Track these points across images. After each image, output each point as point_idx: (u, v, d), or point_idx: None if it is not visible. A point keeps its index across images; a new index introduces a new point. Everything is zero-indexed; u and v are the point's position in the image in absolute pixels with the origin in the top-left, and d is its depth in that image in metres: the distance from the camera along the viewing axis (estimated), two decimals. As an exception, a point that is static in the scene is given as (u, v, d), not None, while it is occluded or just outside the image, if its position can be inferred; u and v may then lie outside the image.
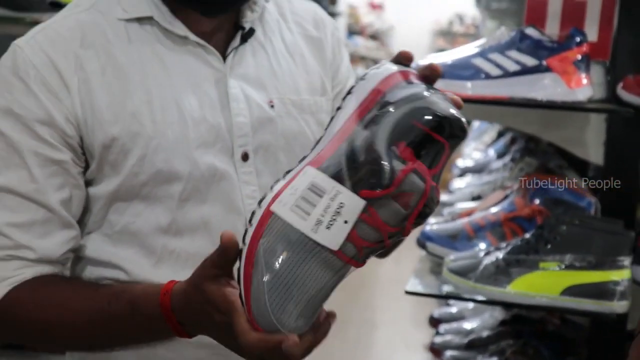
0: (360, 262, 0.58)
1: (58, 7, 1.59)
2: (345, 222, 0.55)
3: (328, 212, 0.55)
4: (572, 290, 1.13)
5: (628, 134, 1.19)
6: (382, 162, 0.55)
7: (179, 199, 0.80)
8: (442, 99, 0.58)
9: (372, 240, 0.56)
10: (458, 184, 1.93)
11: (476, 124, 2.55)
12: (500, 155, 1.81)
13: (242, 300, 0.57)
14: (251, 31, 0.83)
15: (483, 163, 1.95)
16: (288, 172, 0.60)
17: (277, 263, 0.55)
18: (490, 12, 2.17)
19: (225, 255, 0.63)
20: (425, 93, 0.58)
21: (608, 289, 1.10)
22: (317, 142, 0.62)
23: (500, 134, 1.96)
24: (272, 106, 0.85)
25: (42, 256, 0.76)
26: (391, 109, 0.57)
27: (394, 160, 0.54)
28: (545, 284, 1.14)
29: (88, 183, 0.81)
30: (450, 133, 0.57)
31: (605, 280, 1.11)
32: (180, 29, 0.80)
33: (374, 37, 6.40)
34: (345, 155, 0.56)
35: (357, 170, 0.56)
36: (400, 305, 3.16)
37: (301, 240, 0.56)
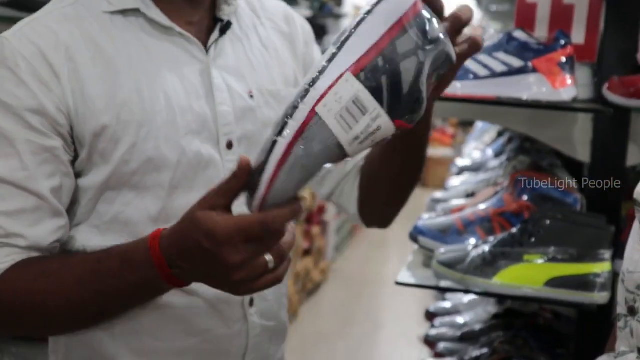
0: None
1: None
2: (375, 142, 0.62)
3: (366, 131, 0.60)
4: (555, 282, 1.19)
5: (614, 133, 1.24)
6: (424, 103, 0.62)
7: (169, 186, 0.81)
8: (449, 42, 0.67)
9: None
10: (454, 182, 1.99)
11: (479, 124, 2.60)
12: (497, 155, 1.87)
13: (258, 181, 0.62)
14: (229, 24, 0.86)
15: (481, 162, 2.01)
16: (323, 61, 0.63)
17: (310, 160, 0.61)
18: (491, 14, 2.22)
19: (235, 179, 0.64)
20: (442, 35, 0.65)
21: (589, 280, 1.16)
22: (347, 37, 0.64)
23: (500, 134, 2.02)
24: (251, 96, 0.88)
25: (33, 244, 0.77)
26: (428, 48, 0.63)
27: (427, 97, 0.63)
28: (529, 275, 1.20)
29: (77, 174, 0.82)
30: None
31: (586, 273, 1.17)
32: (165, 20, 0.82)
33: None
34: (386, 76, 0.61)
35: (399, 99, 0.61)
36: (403, 304, 3.24)
37: (335, 146, 0.61)
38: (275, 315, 0.93)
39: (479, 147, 2.28)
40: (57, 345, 0.86)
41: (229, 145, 0.86)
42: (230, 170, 0.68)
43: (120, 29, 0.82)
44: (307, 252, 3.51)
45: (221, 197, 0.65)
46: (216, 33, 0.84)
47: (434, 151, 6.37)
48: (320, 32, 3.75)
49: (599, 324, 1.17)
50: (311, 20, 3.68)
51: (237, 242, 0.65)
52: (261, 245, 0.66)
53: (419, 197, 1.74)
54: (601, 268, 1.17)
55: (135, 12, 0.81)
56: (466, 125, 5.78)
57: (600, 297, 1.15)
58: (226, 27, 0.86)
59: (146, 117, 0.80)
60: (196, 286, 0.76)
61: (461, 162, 2.23)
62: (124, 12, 0.82)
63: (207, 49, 0.86)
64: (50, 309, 0.77)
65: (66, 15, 0.81)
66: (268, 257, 0.67)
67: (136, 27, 0.83)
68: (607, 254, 1.14)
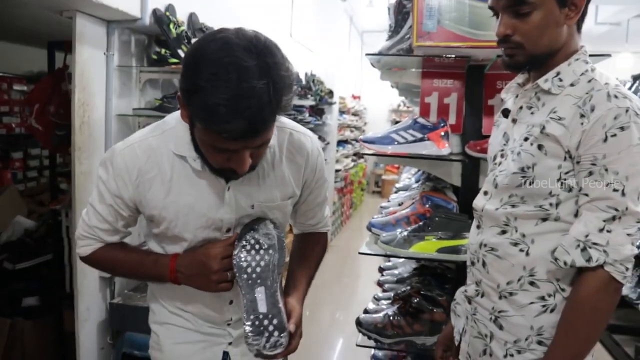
0: None
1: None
2: None
3: None
4: (442, 250, 1.85)
5: (472, 171, 1.98)
6: None
7: (187, 246, 1.23)
8: None
9: None
10: (393, 196, 2.64)
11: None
12: (417, 180, 2.57)
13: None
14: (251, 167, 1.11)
15: (408, 184, 2.72)
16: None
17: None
18: (413, 103, 3.08)
19: (226, 244, 1.13)
20: None
21: (459, 249, 1.83)
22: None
23: (419, 170, 2.82)
24: (252, 207, 1.21)
25: (109, 242, 1.27)
26: None
27: None
28: (428, 247, 1.85)
29: (147, 220, 1.26)
30: None
31: (457, 245, 1.83)
32: (199, 166, 1.14)
33: (355, 114, 9.12)
34: None
35: None
36: (368, 264, 4.51)
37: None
38: None
39: (409, 175, 2.97)
40: (149, 287, 1.41)
41: (228, 230, 1.22)
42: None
43: (178, 163, 1.16)
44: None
45: (218, 243, 1.14)
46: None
47: (388, 176, 10.20)
48: (320, 112, 5.57)
49: (463, 271, 1.47)
50: (314, 107, 5.13)
51: (218, 257, 1.12)
52: (228, 262, 1.11)
53: (378, 203, 2.69)
54: (464, 242, 1.80)
55: (184, 158, 1.16)
56: (404, 163, 7.37)
57: (458, 257, 1.82)
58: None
59: (176, 216, 1.18)
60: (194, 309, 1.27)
61: (398, 185, 2.90)
62: (180, 156, 1.16)
63: (227, 179, 1.17)
64: (116, 270, 1.39)
65: (150, 145, 1.16)
66: (229, 273, 1.13)
67: (185, 164, 1.16)
68: (467, 234, 1.63)
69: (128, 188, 1.16)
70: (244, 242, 1.16)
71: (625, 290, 3.85)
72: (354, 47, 9.88)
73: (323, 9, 6.53)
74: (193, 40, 2.65)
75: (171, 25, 2.49)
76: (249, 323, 1.12)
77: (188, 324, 1.31)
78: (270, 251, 1.17)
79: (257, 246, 1.15)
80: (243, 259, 1.14)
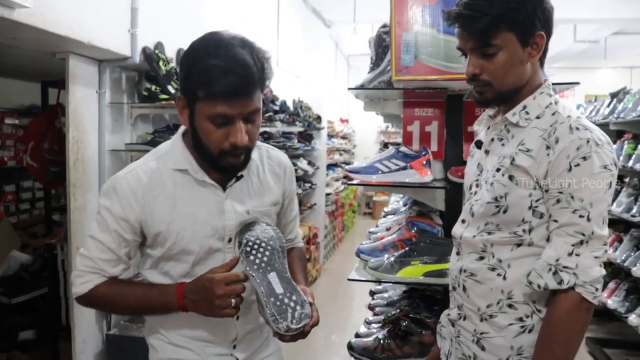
0: None
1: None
2: None
3: None
4: (428, 274, 1.88)
5: (455, 197, 2.02)
6: None
7: (192, 262, 1.28)
8: None
9: None
10: (381, 221, 2.69)
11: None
12: (404, 204, 2.63)
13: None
14: (241, 176, 1.30)
15: (396, 208, 2.78)
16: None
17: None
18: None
19: (230, 262, 1.19)
20: None
21: (445, 272, 1.82)
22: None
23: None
24: (247, 212, 1.32)
25: (110, 275, 1.27)
26: None
27: None
28: (414, 271, 1.89)
29: (148, 247, 1.30)
30: None
31: (442, 268, 1.86)
32: (200, 176, 1.26)
33: (344, 137, 9.35)
34: None
35: None
36: (360, 287, 4.78)
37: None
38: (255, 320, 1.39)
39: (397, 198, 3.04)
40: (147, 322, 1.41)
41: (229, 240, 1.31)
42: (227, 253, 1.28)
43: (179, 177, 1.27)
44: (308, 259, 5.24)
45: (221, 268, 1.18)
46: (232, 181, 1.30)
47: (379, 197, 10.24)
48: (309, 138, 5.63)
49: (447, 294, 1.53)
50: (302, 133, 5.21)
51: (222, 283, 1.15)
52: (231, 289, 1.15)
53: (369, 224, 2.74)
54: (448, 266, 1.61)
55: (186, 171, 1.27)
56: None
57: (446, 281, 1.98)
58: (238, 178, 1.31)
59: (182, 228, 1.25)
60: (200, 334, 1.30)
61: (386, 209, 2.95)
62: (180, 170, 1.27)
63: (225, 188, 1.29)
64: (117, 306, 1.34)
65: (150, 168, 1.27)
66: (233, 299, 1.16)
67: (187, 178, 1.27)
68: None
69: (134, 209, 1.24)
70: (244, 241, 1.26)
71: (613, 304, 3.92)
72: (341, 70, 10.08)
73: (308, 35, 6.68)
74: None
75: (160, 63, 2.58)
76: (270, 306, 1.19)
77: (194, 355, 1.33)
78: (271, 241, 1.28)
79: (257, 241, 1.26)
80: (251, 258, 1.24)
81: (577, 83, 1.90)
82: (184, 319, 1.29)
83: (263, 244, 1.27)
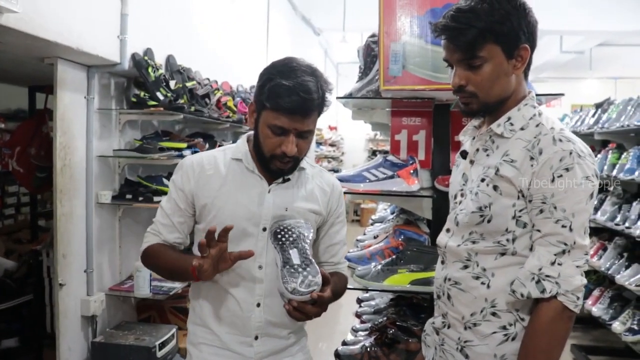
0: None
1: (162, 150, 2.42)
2: None
3: None
4: (414, 282, 1.91)
5: (442, 205, 1.98)
6: None
7: (230, 241, 1.35)
8: None
9: None
10: (369, 229, 2.75)
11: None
12: (392, 212, 2.66)
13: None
14: (287, 179, 1.48)
15: (384, 216, 2.82)
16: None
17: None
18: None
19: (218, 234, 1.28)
20: None
21: (431, 280, 1.76)
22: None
23: (394, 200, 2.94)
24: (286, 209, 1.47)
25: (165, 240, 1.50)
26: None
27: None
28: (401, 279, 1.91)
29: (197, 222, 1.51)
30: None
31: (428, 277, 1.88)
32: (251, 167, 1.46)
33: (332, 144, 9.45)
34: None
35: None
36: (349, 295, 4.84)
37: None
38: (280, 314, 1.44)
39: (385, 206, 3.08)
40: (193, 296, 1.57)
41: (264, 229, 1.45)
42: (260, 241, 1.44)
43: (233, 165, 1.49)
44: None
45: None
46: (279, 180, 1.48)
47: (367, 205, 10.09)
48: None
49: (432, 303, 1.54)
50: None
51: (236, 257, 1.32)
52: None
53: (358, 231, 2.75)
54: (434, 274, 1.81)
55: (240, 160, 1.49)
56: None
57: (428, 288, 1.94)
58: (285, 179, 1.48)
59: (224, 204, 1.45)
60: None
61: (374, 217, 3.02)
62: (236, 159, 1.50)
63: (270, 184, 1.46)
64: (159, 265, 1.51)
65: (213, 155, 1.52)
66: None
67: (240, 166, 1.49)
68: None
69: (190, 182, 1.47)
70: (276, 227, 1.40)
71: (598, 312, 3.96)
72: (330, 78, 10.02)
73: (298, 42, 6.71)
74: (171, 82, 2.75)
75: (150, 69, 2.58)
76: (285, 271, 1.30)
77: (218, 341, 1.48)
78: (300, 229, 1.40)
79: (288, 226, 1.40)
80: (279, 237, 1.37)
81: (562, 94, 1.94)
82: (211, 304, 1.48)
83: (292, 229, 1.39)
